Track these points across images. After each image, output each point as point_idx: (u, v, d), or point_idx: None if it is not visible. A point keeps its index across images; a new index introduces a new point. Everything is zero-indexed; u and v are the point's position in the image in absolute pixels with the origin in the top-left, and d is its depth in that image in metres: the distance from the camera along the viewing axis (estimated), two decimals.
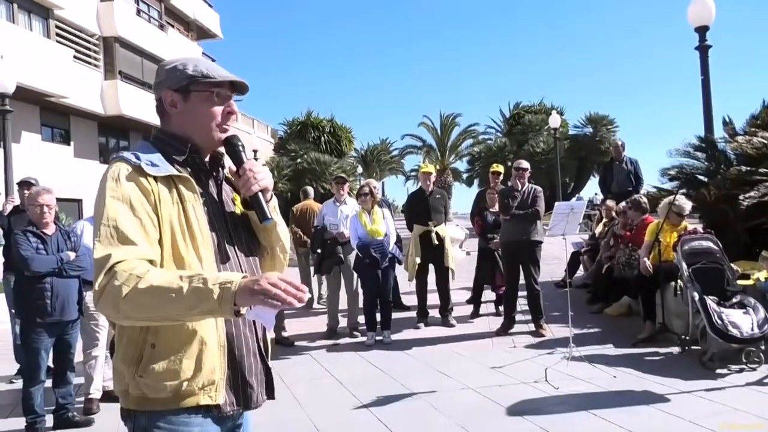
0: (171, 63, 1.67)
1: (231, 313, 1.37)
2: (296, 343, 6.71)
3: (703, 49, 8.96)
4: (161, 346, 1.50)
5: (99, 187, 1.55)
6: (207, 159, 1.71)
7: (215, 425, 1.61)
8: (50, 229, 4.40)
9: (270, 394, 1.75)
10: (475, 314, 7.70)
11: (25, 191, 5.53)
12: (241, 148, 1.70)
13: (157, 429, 1.53)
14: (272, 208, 1.69)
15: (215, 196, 1.69)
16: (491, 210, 7.76)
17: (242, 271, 1.63)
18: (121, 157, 1.56)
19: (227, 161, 1.74)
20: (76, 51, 17.92)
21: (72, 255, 4.40)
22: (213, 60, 28.37)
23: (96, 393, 4.67)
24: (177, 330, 1.50)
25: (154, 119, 1.68)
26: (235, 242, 1.68)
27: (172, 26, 24.29)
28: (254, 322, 1.66)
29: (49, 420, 4.33)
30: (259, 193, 1.64)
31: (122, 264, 1.41)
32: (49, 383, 4.46)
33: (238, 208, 1.74)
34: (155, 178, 1.54)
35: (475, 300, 7.86)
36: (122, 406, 1.58)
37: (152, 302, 1.37)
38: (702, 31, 8.93)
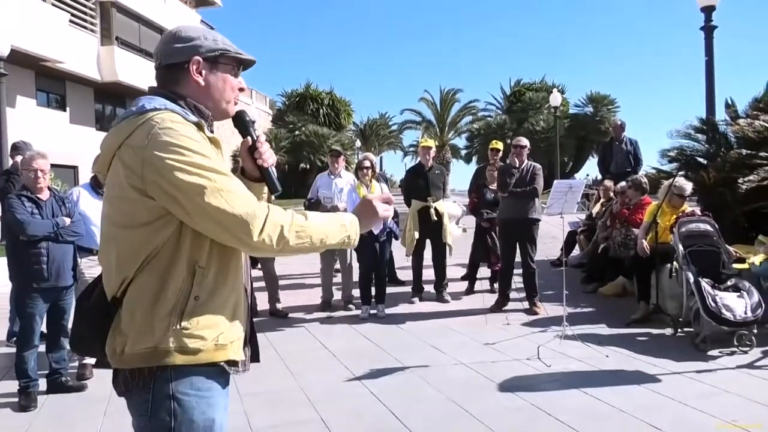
0: (195, 30, 1.67)
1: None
2: (290, 315, 6.73)
3: (708, 30, 8.88)
4: (204, 299, 1.54)
5: (160, 132, 1.46)
6: None
7: (228, 387, 1.67)
8: (45, 195, 4.35)
9: (255, 357, 1.82)
10: (470, 291, 7.72)
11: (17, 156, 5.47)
12: (251, 123, 1.76)
13: (185, 395, 1.52)
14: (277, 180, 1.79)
15: None
16: (490, 187, 7.73)
17: None
18: (171, 107, 1.55)
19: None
20: (72, 15, 17.62)
21: (67, 221, 4.36)
22: (211, 28, 27.95)
23: (90, 359, 4.68)
24: (220, 283, 1.57)
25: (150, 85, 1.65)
26: None
27: None
28: (250, 288, 1.78)
29: (42, 384, 4.33)
30: (270, 167, 1.74)
31: (272, 210, 1.52)
32: (42, 348, 4.46)
33: None
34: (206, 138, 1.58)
35: (470, 277, 7.88)
36: (139, 366, 1.51)
37: (313, 235, 1.58)
38: (708, 11, 8.84)
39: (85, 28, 18.54)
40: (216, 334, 1.55)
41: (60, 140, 16.35)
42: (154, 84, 1.68)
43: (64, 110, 18.43)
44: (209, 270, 1.55)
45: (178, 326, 1.50)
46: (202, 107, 1.65)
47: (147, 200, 1.48)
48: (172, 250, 1.51)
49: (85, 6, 18.58)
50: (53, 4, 16.90)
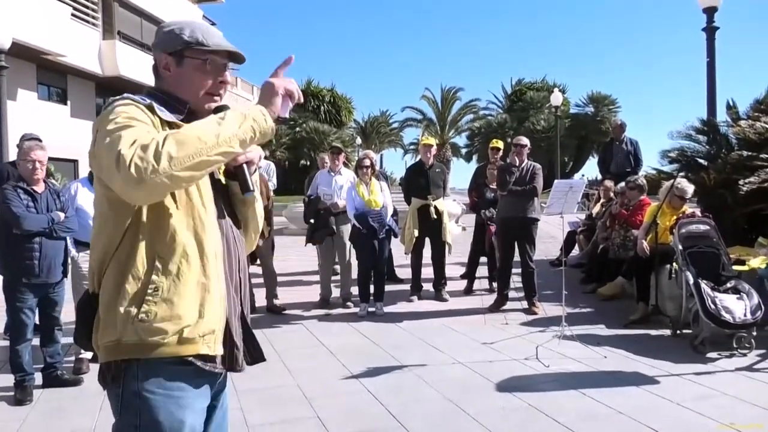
0: (169, 26, 1.67)
1: (273, 120, 1.52)
2: (288, 312, 6.71)
3: (709, 31, 8.85)
4: (165, 289, 1.49)
5: (101, 118, 1.48)
6: None
7: (206, 388, 1.62)
8: (40, 187, 4.31)
9: (254, 358, 1.76)
10: (469, 290, 7.70)
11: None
12: None
13: (151, 394, 1.49)
14: (254, 182, 1.68)
15: None
16: (491, 186, 7.72)
17: (232, 235, 1.69)
18: (127, 96, 1.54)
19: None
20: (74, 9, 17.58)
21: (62, 215, 4.32)
22: (213, 24, 27.95)
23: (86, 353, 4.66)
24: (183, 274, 1.51)
25: (153, 81, 1.67)
26: (224, 206, 1.71)
27: None
28: (240, 284, 1.70)
29: (38, 378, 4.32)
30: (245, 165, 1.64)
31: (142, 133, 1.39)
32: (37, 342, 4.44)
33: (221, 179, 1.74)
34: (161, 120, 1.54)
35: (470, 275, 7.86)
36: (108, 360, 1.51)
37: (200, 134, 1.37)
38: (710, 12, 8.81)
39: (87, 22, 18.50)
40: (179, 327, 1.49)
41: (61, 134, 16.31)
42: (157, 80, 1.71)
43: (65, 104, 18.41)
44: (170, 260, 1.50)
45: (137, 317, 1.47)
46: (181, 100, 1.64)
47: (104, 188, 1.48)
48: (132, 240, 1.50)
49: (87, 0, 18.55)
50: None
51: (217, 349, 1.57)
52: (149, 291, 1.48)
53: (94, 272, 1.56)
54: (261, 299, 6.84)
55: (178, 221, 1.51)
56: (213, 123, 1.42)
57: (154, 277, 1.49)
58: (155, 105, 1.54)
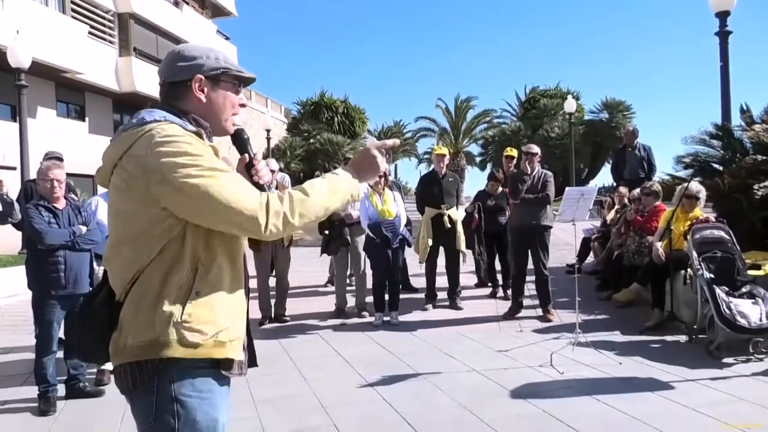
0: (198, 49, 1.75)
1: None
2: (305, 322, 6.78)
3: (722, 35, 8.85)
4: (205, 295, 1.60)
5: (160, 141, 1.54)
6: None
7: (227, 388, 1.71)
8: (61, 204, 4.45)
9: (253, 362, 1.88)
10: (494, 294, 7.89)
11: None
12: (248, 141, 1.85)
13: (187, 397, 1.58)
14: None
15: None
16: (493, 195, 8.01)
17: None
18: (172, 120, 1.62)
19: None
20: (91, 27, 17.93)
21: (83, 229, 4.45)
22: (227, 38, 28.33)
23: (108, 364, 4.74)
24: (220, 281, 1.64)
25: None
26: None
27: (187, 3, 24.19)
28: (248, 292, 1.84)
29: (61, 390, 4.43)
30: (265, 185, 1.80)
31: (272, 200, 1.58)
32: (60, 354, 4.55)
33: None
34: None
35: (491, 279, 8.05)
36: (138, 359, 1.56)
37: (317, 209, 1.64)
38: (722, 16, 8.81)
39: (104, 39, 18.85)
40: (215, 330, 1.60)
41: (79, 150, 16.55)
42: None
43: (83, 120, 18.72)
44: (211, 267, 1.62)
45: (179, 319, 1.56)
46: (201, 121, 1.72)
47: (149, 204, 1.55)
48: (178, 247, 1.58)
49: (104, 18, 18.91)
50: (73, 17, 17.22)
51: (240, 354, 1.69)
52: (192, 294, 1.58)
53: (130, 277, 1.59)
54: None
55: (219, 231, 1.61)
56: (326, 201, 1.67)
57: (196, 281, 1.59)
58: (203, 132, 1.65)
